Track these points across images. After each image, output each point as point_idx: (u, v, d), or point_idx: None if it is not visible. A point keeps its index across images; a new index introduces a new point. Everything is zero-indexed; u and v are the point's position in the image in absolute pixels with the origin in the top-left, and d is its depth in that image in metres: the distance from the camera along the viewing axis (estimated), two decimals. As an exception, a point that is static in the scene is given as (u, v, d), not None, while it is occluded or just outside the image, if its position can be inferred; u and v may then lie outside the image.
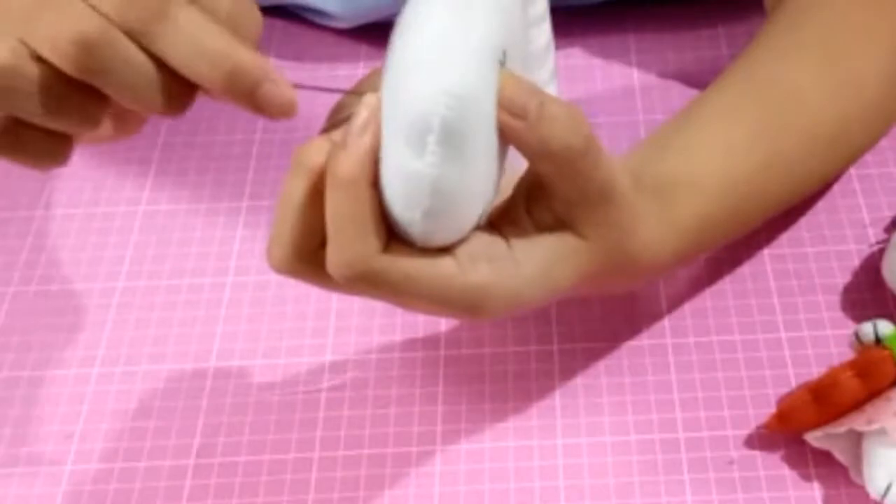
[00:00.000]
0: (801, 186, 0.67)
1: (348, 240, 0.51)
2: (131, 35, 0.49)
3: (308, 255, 0.53)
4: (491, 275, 0.54)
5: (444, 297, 0.53)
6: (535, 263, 0.55)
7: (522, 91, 0.52)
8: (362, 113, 0.51)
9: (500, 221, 0.56)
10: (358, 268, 0.51)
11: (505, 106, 0.52)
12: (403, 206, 0.51)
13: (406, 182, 0.50)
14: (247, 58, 0.49)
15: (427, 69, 0.50)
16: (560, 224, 0.56)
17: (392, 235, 0.52)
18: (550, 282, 0.56)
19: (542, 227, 0.56)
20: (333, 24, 0.88)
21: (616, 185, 0.56)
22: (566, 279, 0.57)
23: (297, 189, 0.52)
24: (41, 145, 0.51)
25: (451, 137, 0.50)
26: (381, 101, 0.51)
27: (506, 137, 0.53)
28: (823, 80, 0.68)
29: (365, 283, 0.52)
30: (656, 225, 0.60)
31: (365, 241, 0.51)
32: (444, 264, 0.53)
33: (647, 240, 0.59)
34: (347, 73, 0.86)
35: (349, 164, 0.50)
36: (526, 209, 0.56)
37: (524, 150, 0.53)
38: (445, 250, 0.53)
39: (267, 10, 0.92)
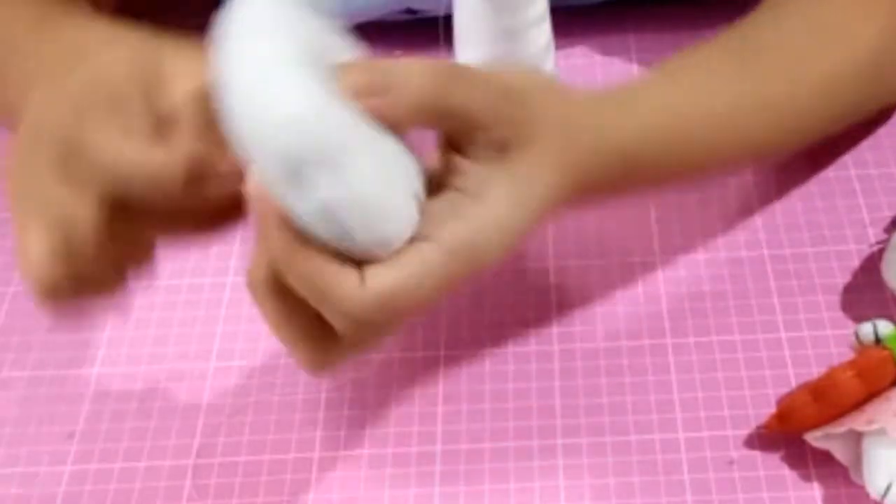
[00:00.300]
0: (785, 133, 0.68)
1: (331, 296, 0.50)
2: None
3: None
4: (467, 227, 0.52)
5: (442, 273, 0.52)
6: (501, 187, 0.54)
7: (362, 71, 0.51)
8: (259, 218, 0.50)
9: (447, 179, 0.54)
10: (358, 311, 0.50)
11: (356, 92, 0.50)
12: (334, 239, 0.50)
13: (316, 223, 0.49)
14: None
15: (249, 114, 0.48)
16: (502, 146, 0.54)
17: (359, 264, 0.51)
18: (526, 195, 0.54)
19: (488, 159, 0.55)
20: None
21: (518, 82, 0.55)
22: (540, 186, 0.55)
23: (271, 307, 0.52)
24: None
25: (314, 160, 0.48)
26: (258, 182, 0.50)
27: (381, 119, 0.51)
28: (814, 36, 0.69)
29: (383, 313, 0.51)
30: (615, 113, 0.60)
31: (342, 287, 0.50)
32: (423, 250, 0.51)
33: (601, 124, 0.59)
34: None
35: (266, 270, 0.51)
36: (463, 156, 0.55)
37: (404, 116, 0.52)
38: (415, 240, 0.52)
39: None
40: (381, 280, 0.50)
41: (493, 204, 0.53)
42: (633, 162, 0.61)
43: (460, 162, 0.54)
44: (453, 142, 0.54)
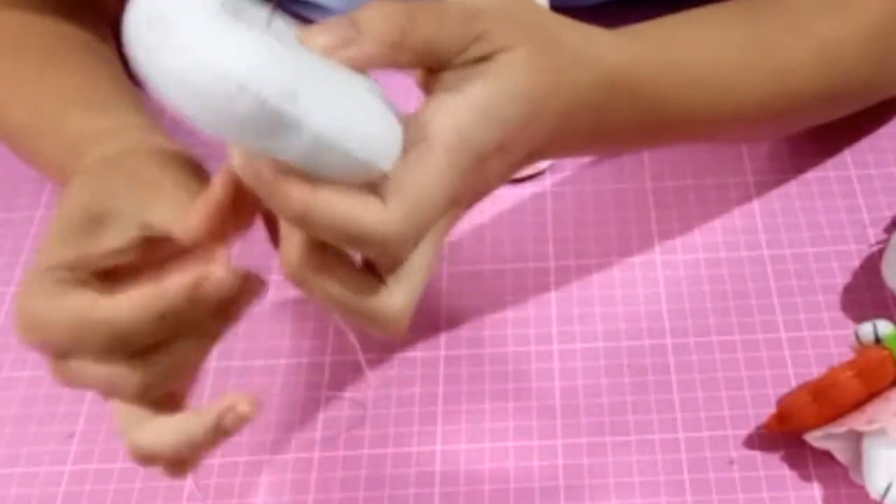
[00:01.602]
0: (786, 93, 0.68)
1: (362, 227, 0.49)
2: None
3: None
4: (454, 118, 0.52)
5: (448, 168, 0.51)
6: (479, 78, 0.53)
7: (322, 31, 0.50)
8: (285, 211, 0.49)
9: (432, 87, 0.54)
10: (393, 231, 0.49)
11: (322, 52, 0.50)
12: (338, 167, 0.48)
13: (315, 159, 0.47)
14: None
15: (201, 83, 0.45)
16: (480, 60, 0.54)
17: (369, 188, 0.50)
18: (507, 85, 0.53)
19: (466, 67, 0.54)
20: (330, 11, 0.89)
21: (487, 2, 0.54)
22: (522, 81, 0.54)
23: (318, 283, 0.51)
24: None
25: (285, 93, 0.46)
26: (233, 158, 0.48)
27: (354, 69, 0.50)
28: (818, 2, 0.69)
29: (415, 223, 0.50)
30: (608, 37, 0.60)
31: (369, 213, 0.49)
32: (420, 150, 0.51)
33: (589, 39, 0.59)
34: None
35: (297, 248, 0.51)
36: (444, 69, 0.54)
37: (375, 62, 0.51)
38: (408, 146, 0.51)
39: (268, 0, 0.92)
40: (400, 190, 0.50)
41: (475, 93, 0.52)
42: (624, 84, 0.60)
43: (441, 75, 0.53)
44: (433, 74, 0.54)
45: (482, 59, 0.53)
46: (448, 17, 0.53)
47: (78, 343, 0.52)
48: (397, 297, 0.51)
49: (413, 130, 0.51)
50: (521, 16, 0.56)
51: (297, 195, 0.48)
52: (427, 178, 0.50)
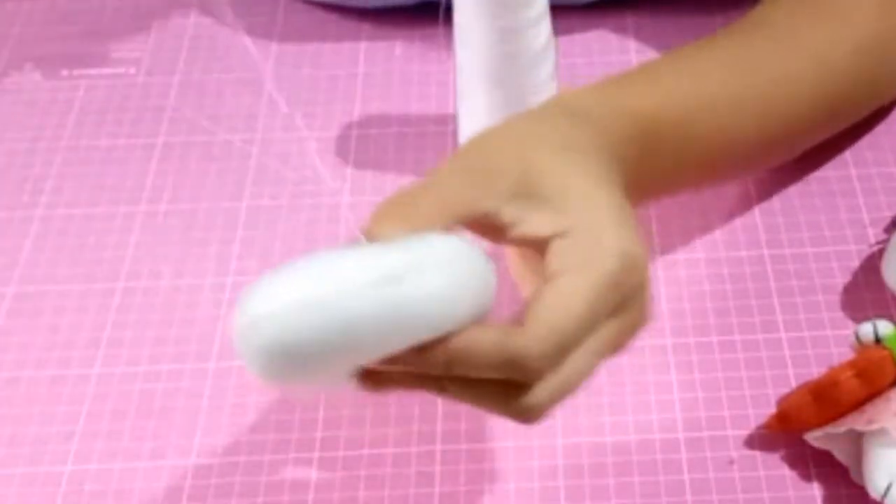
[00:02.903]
0: (784, 117, 0.68)
1: (513, 360, 0.50)
2: None
3: None
4: (581, 242, 0.53)
5: (587, 284, 0.52)
6: (576, 201, 0.54)
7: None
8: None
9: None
10: (535, 357, 0.51)
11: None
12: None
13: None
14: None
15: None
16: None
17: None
18: (595, 186, 0.55)
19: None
20: (338, 1, 0.89)
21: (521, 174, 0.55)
22: (601, 177, 0.55)
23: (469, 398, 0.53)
24: None
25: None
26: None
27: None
28: (812, 13, 0.70)
29: (557, 346, 0.51)
30: (631, 87, 0.61)
31: (517, 343, 0.50)
32: (559, 283, 0.52)
33: (616, 99, 0.60)
34: (349, 53, 0.86)
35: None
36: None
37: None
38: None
39: None
40: (535, 309, 0.51)
41: (580, 211, 0.53)
42: (655, 132, 0.61)
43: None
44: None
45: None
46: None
47: None
48: (539, 396, 0.52)
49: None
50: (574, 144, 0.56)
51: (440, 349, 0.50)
52: (563, 298, 0.51)
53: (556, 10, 0.89)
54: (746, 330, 0.68)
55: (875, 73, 0.72)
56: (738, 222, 0.73)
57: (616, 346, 0.54)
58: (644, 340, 0.67)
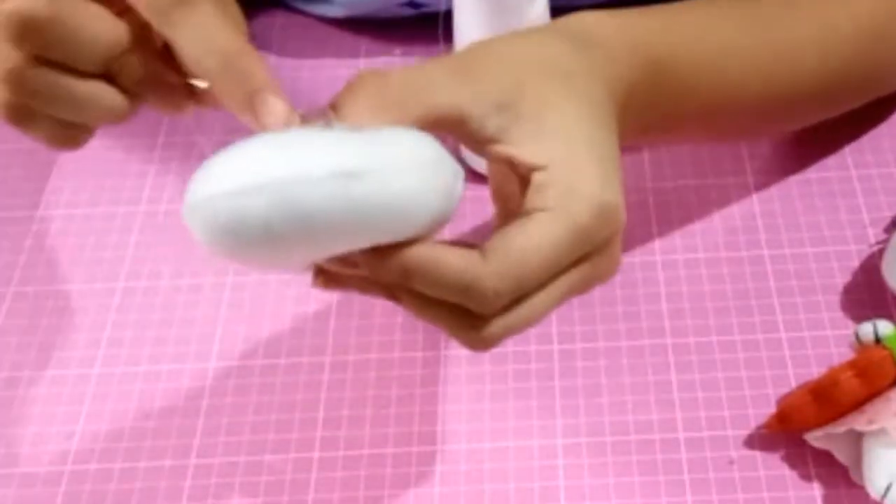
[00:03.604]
0: (789, 77, 0.68)
1: (462, 284, 0.50)
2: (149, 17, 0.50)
3: None
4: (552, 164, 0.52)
5: (560, 218, 0.51)
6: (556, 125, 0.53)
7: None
8: None
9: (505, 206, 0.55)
10: (490, 285, 0.50)
11: None
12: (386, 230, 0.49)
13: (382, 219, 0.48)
14: (253, 63, 0.50)
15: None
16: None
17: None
18: (588, 117, 0.54)
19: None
20: (332, 13, 0.88)
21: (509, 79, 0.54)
22: (597, 106, 0.54)
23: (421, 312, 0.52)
24: (55, 130, 0.52)
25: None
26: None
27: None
28: None
29: (515, 277, 0.50)
30: (641, 19, 0.60)
31: (473, 267, 0.50)
32: (538, 216, 0.51)
33: (627, 30, 0.59)
34: (348, 68, 0.86)
35: None
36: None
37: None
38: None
39: (268, 5, 0.92)
40: (501, 244, 0.50)
41: (556, 142, 0.52)
42: (663, 71, 0.60)
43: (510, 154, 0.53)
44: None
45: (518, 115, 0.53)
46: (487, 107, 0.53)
47: None
48: (492, 330, 0.51)
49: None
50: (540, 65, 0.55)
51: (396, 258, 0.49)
52: (531, 241, 0.50)
53: (557, 10, 0.89)
54: (746, 330, 0.68)
55: (877, 54, 0.71)
56: (739, 222, 0.73)
57: (578, 292, 0.53)
58: (644, 340, 0.67)
